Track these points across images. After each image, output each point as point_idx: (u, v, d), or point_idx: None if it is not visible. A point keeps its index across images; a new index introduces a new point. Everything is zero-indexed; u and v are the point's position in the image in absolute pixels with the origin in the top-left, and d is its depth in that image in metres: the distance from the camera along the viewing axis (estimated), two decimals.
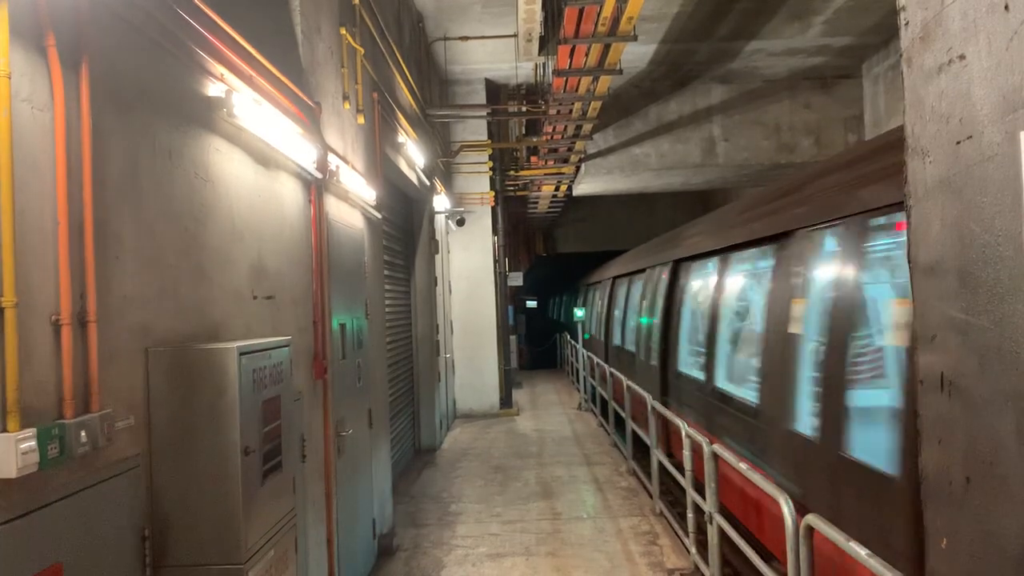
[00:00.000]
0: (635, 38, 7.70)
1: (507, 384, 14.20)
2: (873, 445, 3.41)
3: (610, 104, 12.42)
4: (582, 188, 15.75)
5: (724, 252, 6.54)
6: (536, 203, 19.32)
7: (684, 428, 5.96)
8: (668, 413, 6.91)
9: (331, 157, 4.88)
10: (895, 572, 2.70)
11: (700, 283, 7.52)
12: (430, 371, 11.09)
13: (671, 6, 10.33)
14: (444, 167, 12.47)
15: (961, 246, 1.81)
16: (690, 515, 5.81)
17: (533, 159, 14.26)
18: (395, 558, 6.28)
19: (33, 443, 1.91)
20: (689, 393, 7.13)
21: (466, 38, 11.12)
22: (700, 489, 5.42)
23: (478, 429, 12.45)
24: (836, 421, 3.78)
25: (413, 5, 10.11)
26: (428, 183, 10.48)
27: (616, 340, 12.67)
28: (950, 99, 1.84)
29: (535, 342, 26.67)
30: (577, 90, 9.42)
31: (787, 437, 4.44)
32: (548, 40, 9.92)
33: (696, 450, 5.75)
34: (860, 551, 2.97)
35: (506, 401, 13.99)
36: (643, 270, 10.58)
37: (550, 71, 9.97)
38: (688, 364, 7.44)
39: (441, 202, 11.29)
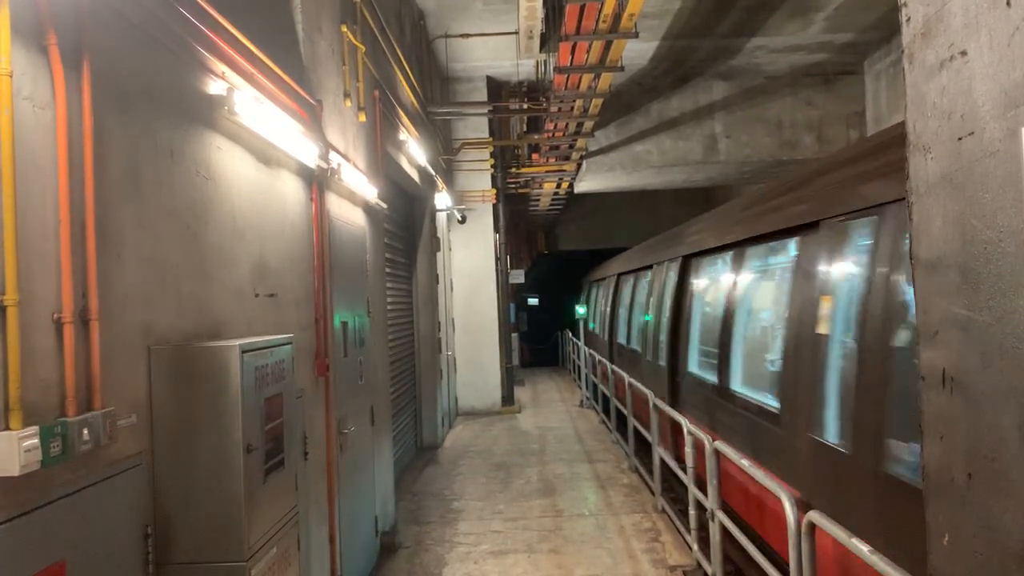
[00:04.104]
0: (636, 35, 7.69)
1: (509, 381, 14.20)
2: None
3: (611, 101, 12.40)
4: (584, 185, 15.73)
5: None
6: (537, 201, 19.30)
7: (686, 425, 5.96)
8: (669, 409, 6.91)
9: (332, 155, 4.88)
10: (897, 569, 2.71)
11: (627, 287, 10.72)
12: (432, 369, 11.10)
13: (672, 3, 10.31)
14: (445, 165, 12.46)
15: (963, 242, 1.81)
16: (692, 512, 5.82)
17: (534, 156, 14.25)
18: (397, 555, 6.29)
19: (36, 441, 1.92)
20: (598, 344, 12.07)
21: (467, 35, 11.10)
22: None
23: (480, 426, 12.45)
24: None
25: (414, 3, 10.10)
26: (430, 181, 10.47)
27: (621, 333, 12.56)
28: (951, 95, 1.84)
29: (538, 340, 26.68)
30: (578, 87, 9.41)
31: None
32: (549, 37, 9.91)
33: (699, 447, 5.75)
34: (862, 548, 2.97)
35: (508, 398, 13.99)
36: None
37: (551, 68, 9.96)
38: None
39: (442, 200, 11.28)
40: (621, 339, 11.84)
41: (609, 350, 12.90)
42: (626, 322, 11.51)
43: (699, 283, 7.36)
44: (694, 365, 7.03)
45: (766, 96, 13.59)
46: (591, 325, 16.67)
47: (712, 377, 6.24)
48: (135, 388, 2.57)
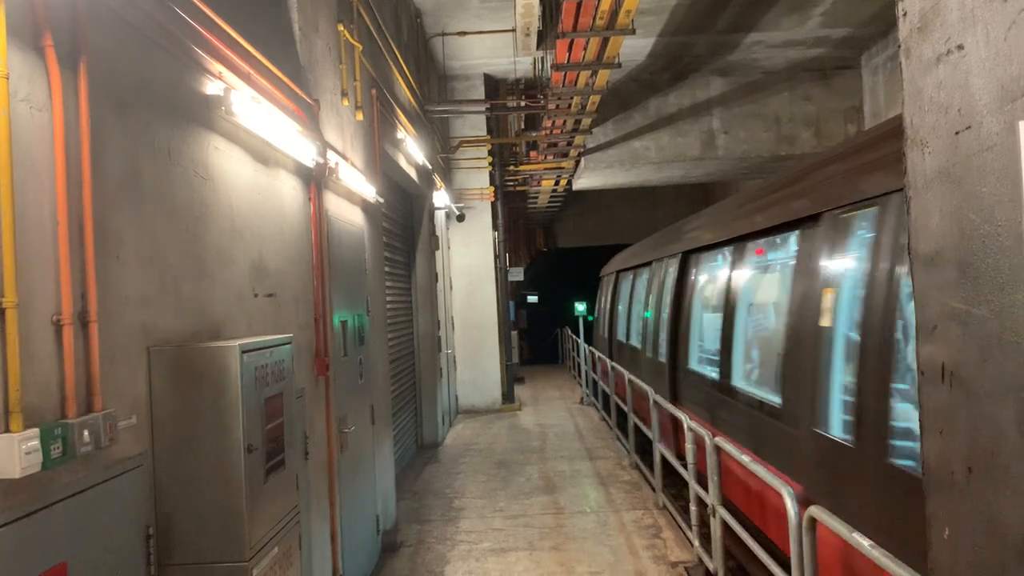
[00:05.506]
0: (633, 31, 7.68)
1: (509, 379, 14.21)
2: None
3: (609, 98, 12.39)
4: (582, 182, 15.73)
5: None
6: (536, 198, 19.30)
7: (686, 421, 5.96)
8: (668, 405, 6.91)
9: (330, 154, 4.88)
10: (900, 565, 2.71)
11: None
12: (432, 367, 11.10)
13: None
14: (443, 163, 12.46)
15: (961, 236, 1.81)
16: (693, 508, 5.82)
17: (532, 154, 14.25)
18: (399, 554, 6.30)
19: (36, 443, 1.92)
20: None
21: (464, 33, 11.10)
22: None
23: (480, 425, 12.46)
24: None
25: (411, 1, 10.09)
26: (428, 179, 10.47)
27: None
28: (949, 89, 1.84)
29: (537, 337, 26.70)
30: (576, 84, 9.40)
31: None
32: (546, 34, 9.89)
33: (699, 443, 5.75)
34: (863, 542, 2.98)
35: (508, 396, 14.00)
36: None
37: (549, 65, 9.95)
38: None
39: (441, 198, 11.28)
40: (697, 364, 7.01)
41: (671, 381, 7.66)
42: (707, 335, 6.75)
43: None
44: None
45: (763, 92, 13.58)
46: (610, 333, 13.60)
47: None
48: (135, 389, 2.57)
